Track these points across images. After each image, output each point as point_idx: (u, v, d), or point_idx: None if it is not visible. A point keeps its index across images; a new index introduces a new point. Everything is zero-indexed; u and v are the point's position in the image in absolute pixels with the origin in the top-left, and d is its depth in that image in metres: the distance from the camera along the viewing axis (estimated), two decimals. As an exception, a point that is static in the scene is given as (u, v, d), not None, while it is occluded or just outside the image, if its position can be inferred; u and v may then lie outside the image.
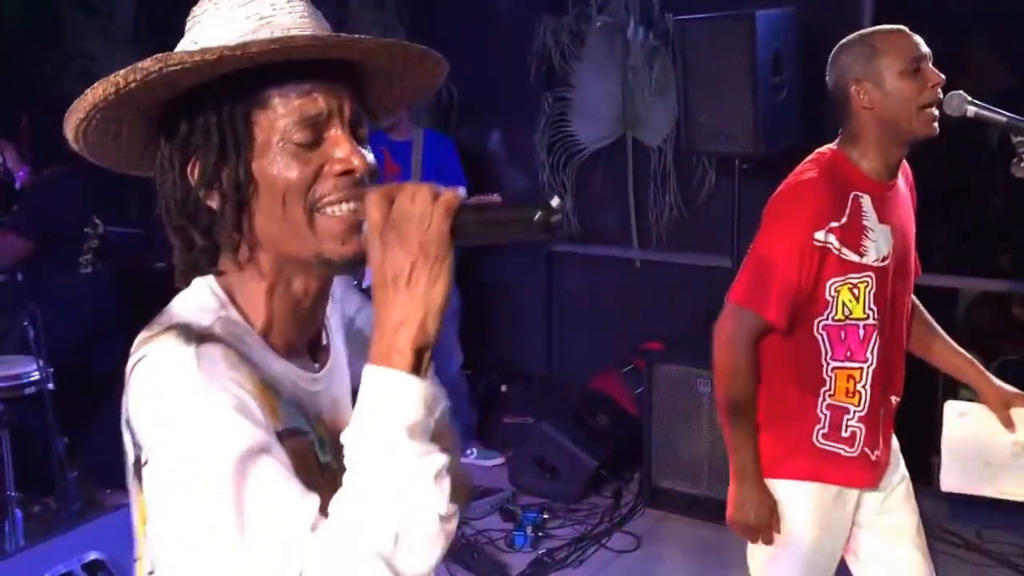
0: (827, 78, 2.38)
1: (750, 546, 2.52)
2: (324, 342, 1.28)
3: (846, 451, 2.38)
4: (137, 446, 1.09)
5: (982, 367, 2.67)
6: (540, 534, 4.32)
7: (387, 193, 1.04)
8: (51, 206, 4.34)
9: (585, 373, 5.38)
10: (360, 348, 1.23)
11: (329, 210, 1.12)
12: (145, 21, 6.46)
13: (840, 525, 2.45)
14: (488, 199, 4.74)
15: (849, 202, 2.28)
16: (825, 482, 2.39)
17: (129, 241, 4.87)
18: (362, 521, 0.99)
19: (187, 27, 1.17)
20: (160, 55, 1.06)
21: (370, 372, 1.03)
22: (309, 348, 1.26)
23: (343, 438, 1.04)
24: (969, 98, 2.22)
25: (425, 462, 1.00)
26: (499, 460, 5.12)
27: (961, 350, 2.68)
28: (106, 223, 4.47)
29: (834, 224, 2.25)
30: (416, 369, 1.02)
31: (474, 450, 5.18)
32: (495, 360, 5.82)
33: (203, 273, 1.18)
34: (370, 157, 1.15)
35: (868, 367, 2.35)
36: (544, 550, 4.21)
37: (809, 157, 2.40)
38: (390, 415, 1.00)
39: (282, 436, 1.10)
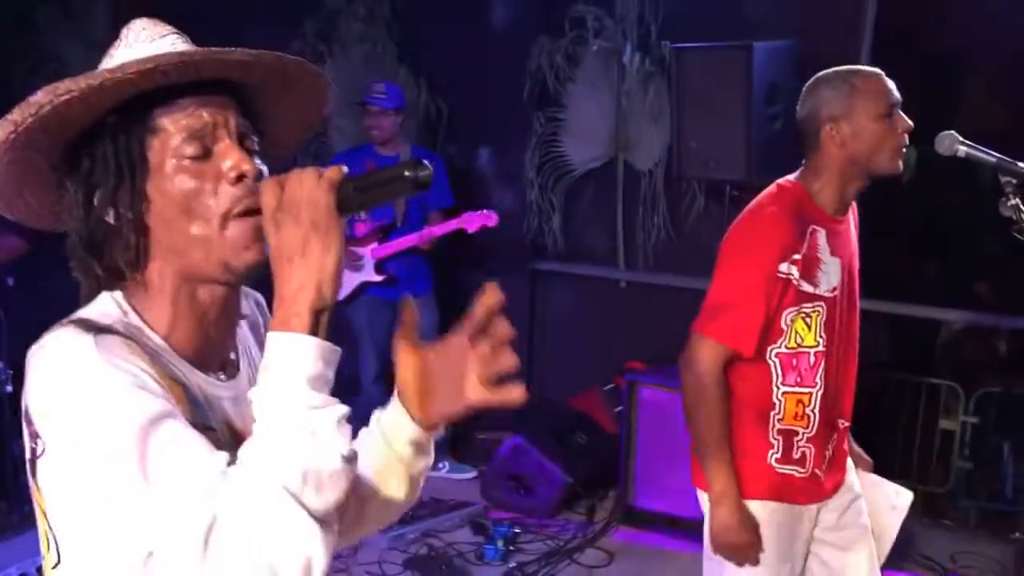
0: (799, 107, 2.47)
1: (709, 567, 2.57)
2: (232, 357, 1.34)
3: (799, 472, 2.46)
4: (34, 437, 1.14)
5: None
6: (511, 548, 4.33)
7: (278, 181, 1.13)
8: None
9: (566, 391, 5.42)
10: None
11: (235, 224, 1.19)
12: (121, 24, 6.49)
13: (800, 542, 2.52)
14: (485, 216, 4.80)
15: (808, 235, 2.36)
16: (784, 502, 2.46)
17: None
18: (272, 463, 1.05)
19: None
20: (48, 87, 1.12)
21: (273, 337, 1.10)
22: (223, 364, 1.31)
23: (250, 394, 1.11)
24: (960, 138, 2.29)
25: (327, 410, 1.08)
26: (471, 474, 5.14)
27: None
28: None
29: (796, 256, 2.34)
30: (314, 330, 1.09)
31: (446, 464, 5.19)
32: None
33: (110, 289, 1.24)
34: (260, 164, 1.22)
35: (817, 392, 2.44)
36: (514, 564, 4.23)
37: (770, 189, 2.48)
38: (293, 370, 1.08)
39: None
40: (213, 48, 1.18)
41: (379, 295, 5.01)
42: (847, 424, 2.58)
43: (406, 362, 1.33)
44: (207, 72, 1.19)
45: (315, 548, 1.05)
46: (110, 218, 1.19)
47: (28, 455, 1.16)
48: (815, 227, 2.38)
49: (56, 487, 1.15)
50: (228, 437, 1.23)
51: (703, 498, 2.53)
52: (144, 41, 1.21)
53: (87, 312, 1.21)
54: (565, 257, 5.60)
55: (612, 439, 4.86)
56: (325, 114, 1.40)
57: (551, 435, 4.88)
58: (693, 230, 5.16)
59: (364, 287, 4.97)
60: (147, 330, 1.22)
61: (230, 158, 1.19)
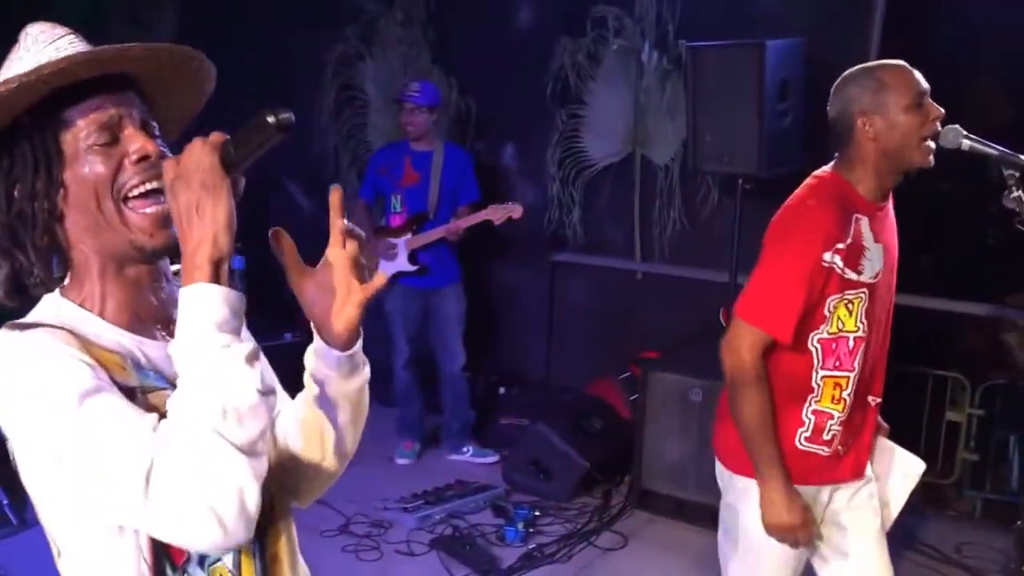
0: (829, 106, 2.48)
1: (724, 548, 2.63)
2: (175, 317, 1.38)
3: (823, 451, 2.49)
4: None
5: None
6: (531, 530, 4.44)
7: (175, 157, 1.22)
8: None
9: (582, 379, 5.54)
10: None
11: (134, 202, 1.29)
12: (187, 31, 6.64)
13: (817, 526, 2.53)
14: (510, 208, 4.92)
15: (852, 224, 2.38)
16: (802, 484, 2.47)
17: None
18: (194, 406, 1.13)
19: None
20: None
21: (181, 293, 1.19)
22: (166, 326, 1.38)
23: (168, 349, 1.20)
24: (964, 132, 2.37)
25: (236, 348, 1.16)
26: (494, 458, 5.27)
27: None
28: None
29: (840, 245, 2.35)
30: (215, 278, 1.18)
31: (470, 448, 5.35)
32: (495, 363, 5.99)
33: (48, 285, 1.33)
34: (162, 146, 1.32)
35: (854, 376, 2.46)
36: (534, 545, 4.34)
37: (809, 181, 2.49)
38: (200, 318, 1.16)
39: (134, 390, 1.27)
40: (115, 45, 1.29)
41: (411, 284, 5.16)
42: (878, 400, 2.59)
43: (302, 292, 1.35)
44: (110, 67, 1.30)
45: (244, 477, 1.13)
46: (28, 209, 1.29)
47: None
48: (859, 215, 2.40)
49: (24, 474, 1.25)
50: None
51: (730, 478, 2.56)
52: (43, 43, 1.31)
53: (24, 319, 1.30)
54: (584, 249, 5.72)
55: (627, 426, 4.98)
56: (208, 92, 1.46)
57: (569, 422, 5.00)
58: (707, 222, 5.27)
59: (398, 276, 5.11)
60: (82, 313, 1.32)
61: (135, 142, 1.30)
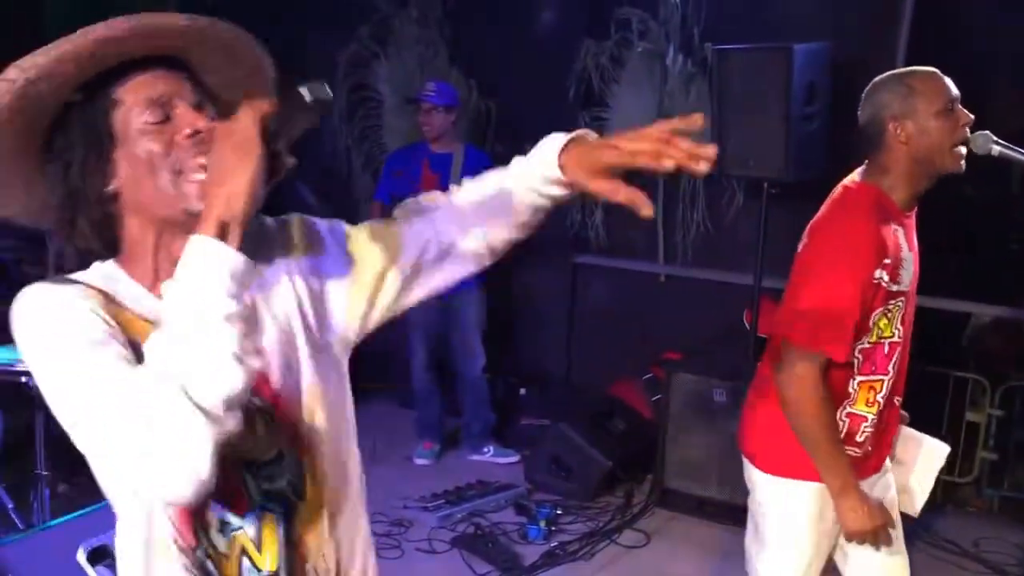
0: (860, 112, 2.50)
1: (751, 544, 2.65)
2: None
3: (855, 452, 2.50)
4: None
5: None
6: (553, 528, 4.47)
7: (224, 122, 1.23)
8: None
9: (604, 380, 5.55)
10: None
11: (190, 175, 1.29)
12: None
13: (835, 523, 2.55)
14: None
15: (890, 236, 2.40)
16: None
17: None
18: (165, 355, 1.15)
19: None
20: (15, 66, 1.25)
21: (187, 244, 1.19)
22: None
23: (161, 287, 1.21)
24: (994, 138, 2.40)
25: (218, 306, 1.15)
26: (515, 458, 5.29)
27: None
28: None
29: (887, 261, 2.36)
30: (221, 236, 1.18)
31: (491, 448, 5.36)
32: (516, 364, 6.01)
33: (103, 257, 1.37)
34: (208, 119, 1.32)
35: (888, 379, 2.49)
36: (556, 543, 4.36)
37: (844, 193, 2.49)
38: (191, 271, 1.17)
39: None
40: (159, 13, 1.30)
41: None
42: (900, 399, 2.61)
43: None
44: (156, 40, 1.31)
45: (198, 438, 1.13)
46: (82, 188, 1.32)
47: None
48: (896, 227, 2.42)
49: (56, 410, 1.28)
50: None
51: (760, 477, 2.58)
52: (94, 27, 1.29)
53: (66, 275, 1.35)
54: (606, 251, 5.74)
55: (649, 426, 5.01)
56: (267, 73, 1.46)
57: (591, 421, 5.02)
58: (732, 226, 5.28)
59: None
60: (130, 282, 1.35)
61: (187, 117, 1.31)
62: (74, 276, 1.34)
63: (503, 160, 5.36)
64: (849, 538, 2.47)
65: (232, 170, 1.18)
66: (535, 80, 5.66)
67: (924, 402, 4.81)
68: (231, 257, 1.18)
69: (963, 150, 2.41)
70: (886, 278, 2.37)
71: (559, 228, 5.67)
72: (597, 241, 5.72)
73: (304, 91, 1.21)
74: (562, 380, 6.00)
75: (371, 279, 1.49)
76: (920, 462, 2.73)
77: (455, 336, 5.27)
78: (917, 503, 2.75)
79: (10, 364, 3.87)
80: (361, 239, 1.52)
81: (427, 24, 6.15)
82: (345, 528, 1.49)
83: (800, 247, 2.52)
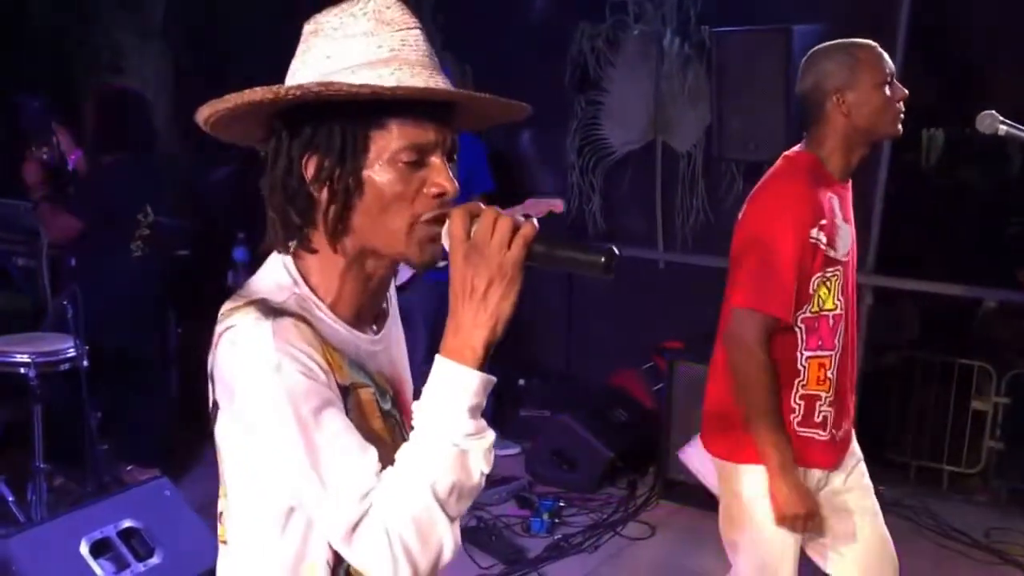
0: (799, 81, 2.53)
1: (727, 533, 2.65)
2: (384, 306, 1.49)
3: (819, 435, 2.52)
4: (214, 394, 1.34)
5: None
6: (556, 521, 4.44)
7: (470, 211, 1.26)
8: (107, 191, 4.45)
9: (604, 370, 5.52)
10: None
11: (423, 225, 1.31)
12: (174, 13, 6.61)
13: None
14: (551, 203, 4.84)
15: (825, 202, 2.44)
16: (804, 466, 2.49)
17: (177, 231, 5.02)
18: (427, 473, 1.22)
19: (308, 31, 1.34)
20: (322, 81, 1.25)
21: (446, 363, 1.26)
22: (376, 316, 1.47)
23: (414, 407, 1.27)
24: (1001, 118, 2.38)
25: (481, 438, 1.25)
26: (515, 450, 5.23)
27: None
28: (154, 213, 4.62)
29: (823, 222, 2.41)
30: (483, 365, 1.25)
31: (490, 440, 5.32)
32: (514, 355, 5.96)
33: (298, 246, 1.36)
34: (456, 182, 1.33)
35: (835, 354, 2.50)
36: (560, 536, 4.34)
37: (781, 162, 2.55)
38: (459, 399, 1.24)
39: (349, 389, 1.33)
40: (473, 93, 1.35)
41: (431, 277, 5.12)
42: (851, 380, 2.62)
43: None
44: (447, 97, 1.31)
45: (449, 545, 1.24)
46: (320, 192, 1.31)
47: (211, 405, 1.36)
48: (831, 194, 2.46)
49: (230, 453, 1.35)
50: (382, 384, 1.41)
51: (734, 468, 2.57)
52: (392, 27, 1.30)
53: (263, 283, 1.35)
54: (605, 238, 5.68)
55: (651, 415, 4.97)
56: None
57: (592, 412, 4.99)
58: (731, 211, 5.19)
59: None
60: (316, 299, 1.36)
61: (440, 176, 1.31)
62: (276, 300, 1.32)
63: (499, 145, 5.28)
64: (779, 521, 2.47)
65: (498, 296, 1.24)
66: (531, 64, 5.59)
67: (929, 391, 4.82)
68: (490, 385, 1.26)
69: (900, 112, 2.47)
70: (823, 239, 2.41)
71: (556, 215, 5.59)
72: (595, 228, 5.66)
73: (603, 258, 1.23)
74: (561, 370, 5.97)
75: None
76: None
77: None
78: None
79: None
80: None
81: (420, 8, 6.07)
82: None
83: (739, 216, 2.57)
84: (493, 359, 4.41)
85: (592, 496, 4.73)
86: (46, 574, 2.86)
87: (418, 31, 1.32)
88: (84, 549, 3.03)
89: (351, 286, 1.37)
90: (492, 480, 4.77)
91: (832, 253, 2.44)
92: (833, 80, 2.44)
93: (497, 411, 5.41)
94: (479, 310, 1.24)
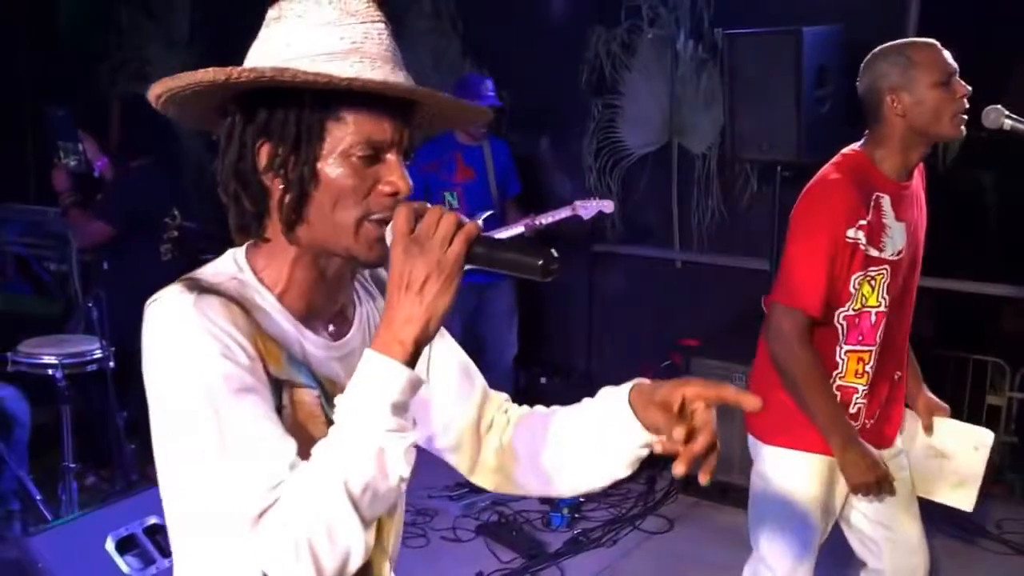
0: (858, 82, 2.57)
1: (753, 517, 2.72)
2: (349, 318, 1.43)
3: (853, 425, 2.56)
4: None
5: (919, 375, 2.84)
6: (576, 516, 4.51)
7: (416, 209, 1.23)
8: (136, 195, 4.57)
9: (623, 368, 5.51)
10: None
11: (371, 224, 1.28)
12: (200, 23, 6.73)
13: (839, 493, 2.62)
14: (601, 204, 4.82)
15: (872, 202, 2.46)
16: (830, 455, 2.55)
17: (203, 234, 5.13)
18: (341, 469, 1.15)
19: (271, 16, 1.30)
20: (279, 67, 1.23)
21: (372, 355, 1.19)
22: (334, 321, 1.41)
23: (337, 399, 1.20)
24: (1006, 112, 2.44)
25: (402, 436, 1.18)
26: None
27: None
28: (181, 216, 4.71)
29: (862, 222, 2.43)
30: (412, 361, 1.20)
31: (511, 438, 5.37)
32: (536, 354, 6.03)
33: (253, 234, 1.34)
34: (410, 181, 1.31)
35: (876, 349, 2.55)
36: (579, 530, 4.40)
37: (835, 159, 2.58)
38: (382, 393, 1.17)
39: (282, 384, 1.29)
40: (431, 90, 1.31)
41: (468, 279, 5.14)
42: (902, 374, 2.67)
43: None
44: (408, 96, 1.29)
45: (358, 549, 1.17)
46: (273, 182, 1.28)
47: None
48: (880, 193, 2.47)
49: (153, 438, 1.27)
50: (331, 391, 1.31)
51: (761, 448, 2.64)
52: (355, 19, 1.28)
53: (203, 271, 1.32)
54: (622, 239, 5.75)
55: (670, 413, 5.02)
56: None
57: (612, 409, 5.04)
58: (746, 210, 5.29)
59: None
60: (260, 287, 1.32)
61: (393, 175, 1.28)
62: (209, 280, 1.29)
63: (518, 148, 5.31)
64: (854, 490, 2.53)
65: (435, 290, 1.19)
66: (547, 69, 5.67)
67: (943, 387, 4.84)
68: (418, 383, 1.20)
69: (963, 116, 2.46)
70: (863, 239, 2.43)
71: (526, 210, 5.61)
72: (613, 229, 5.73)
73: (540, 261, 1.21)
74: (583, 368, 6.02)
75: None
76: (966, 453, 2.77)
77: (489, 326, 5.22)
78: (970, 497, 2.78)
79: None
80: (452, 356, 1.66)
81: (440, 17, 6.17)
82: (399, 516, 1.57)
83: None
84: (519, 360, 4.51)
85: (611, 491, 4.76)
86: (73, 570, 2.85)
87: (383, 25, 1.30)
88: (110, 545, 3.02)
89: (302, 276, 1.33)
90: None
91: (875, 252, 2.46)
92: (888, 81, 2.47)
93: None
94: (414, 303, 1.19)
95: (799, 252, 2.48)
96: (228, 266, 1.34)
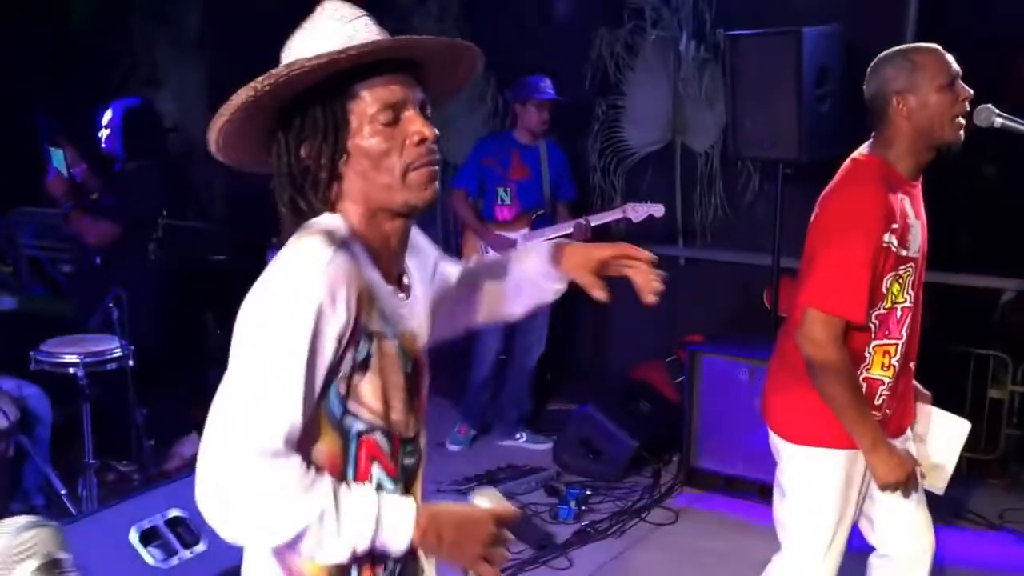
0: (865, 86, 2.61)
1: (780, 514, 2.76)
2: (406, 281, 1.63)
3: (875, 416, 2.58)
4: None
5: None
6: (583, 508, 4.56)
7: (437, 529, 1.51)
8: (141, 194, 4.68)
9: (628, 364, 5.64)
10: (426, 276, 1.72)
11: (415, 172, 1.48)
12: (210, 27, 6.78)
13: (864, 484, 2.68)
14: (651, 208, 4.95)
15: (897, 204, 2.50)
16: (851, 448, 2.58)
17: (189, 234, 5.21)
18: (343, 526, 1.42)
19: (286, 51, 1.51)
20: (285, 64, 1.43)
21: (400, 502, 1.49)
22: (399, 280, 1.60)
23: (378, 493, 1.47)
24: (996, 111, 2.51)
25: (371, 543, 1.44)
26: (547, 445, 5.30)
27: None
28: (175, 217, 4.82)
29: (895, 226, 2.47)
30: (417, 543, 1.48)
31: (523, 434, 5.41)
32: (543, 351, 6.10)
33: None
34: (433, 128, 1.50)
35: (902, 343, 2.60)
36: (587, 522, 4.46)
37: (851, 165, 2.60)
38: (396, 543, 1.46)
39: (372, 335, 1.48)
40: (413, 36, 1.49)
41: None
42: (914, 364, 2.71)
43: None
44: (404, 54, 1.49)
45: (284, 530, 1.39)
46: (312, 166, 1.48)
47: None
48: (901, 195, 2.51)
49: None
50: (406, 347, 1.55)
51: (787, 447, 2.67)
52: (341, 21, 1.48)
53: (321, 222, 1.49)
54: (627, 236, 5.73)
55: (674, 407, 5.09)
56: (470, 80, 1.70)
57: (617, 404, 5.11)
58: (749, 207, 5.37)
59: None
60: (362, 248, 1.50)
61: (415, 125, 1.48)
62: (338, 232, 1.47)
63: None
64: (883, 488, 2.56)
65: (463, 558, 1.53)
66: (551, 70, 5.69)
67: (946, 380, 4.89)
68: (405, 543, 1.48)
69: (963, 121, 2.51)
70: (895, 242, 2.47)
71: (579, 215, 5.71)
72: (617, 227, 5.78)
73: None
74: (588, 365, 6.08)
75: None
76: (942, 439, 2.82)
77: (523, 324, 5.13)
78: (942, 480, 2.83)
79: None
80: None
81: (445, 19, 6.24)
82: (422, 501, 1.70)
83: (812, 218, 2.62)
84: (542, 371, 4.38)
85: (618, 484, 4.85)
86: (97, 561, 2.86)
87: (368, 17, 1.50)
88: (134, 537, 3.08)
89: (379, 240, 1.52)
90: (522, 470, 4.94)
91: (904, 252, 2.50)
92: (893, 84, 2.50)
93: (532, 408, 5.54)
94: (440, 550, 1.52)
95: (837, 260, 2.48)
96: (336, 221, 1.50)
